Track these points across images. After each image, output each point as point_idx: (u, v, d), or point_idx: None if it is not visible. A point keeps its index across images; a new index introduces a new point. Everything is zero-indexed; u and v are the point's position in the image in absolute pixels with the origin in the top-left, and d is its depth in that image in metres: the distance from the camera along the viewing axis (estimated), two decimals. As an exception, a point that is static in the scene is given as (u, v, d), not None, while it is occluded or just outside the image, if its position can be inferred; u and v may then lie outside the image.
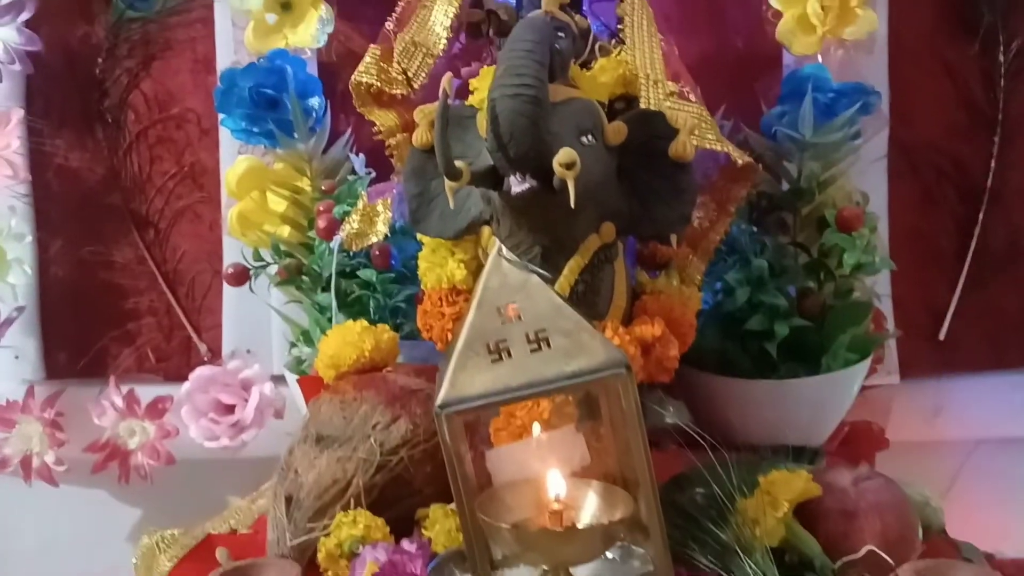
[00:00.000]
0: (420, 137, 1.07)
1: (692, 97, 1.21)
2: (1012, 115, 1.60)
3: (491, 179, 0.98)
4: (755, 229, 1.42)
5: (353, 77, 1.25)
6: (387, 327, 1.17)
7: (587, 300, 1.04)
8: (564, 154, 0.92)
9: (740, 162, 1.26)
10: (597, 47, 1.29)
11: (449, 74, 1.02)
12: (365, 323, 1.16)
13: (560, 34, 1.13)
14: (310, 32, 1.51)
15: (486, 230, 1.07)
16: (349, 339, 1.12)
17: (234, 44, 1.56)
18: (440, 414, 0.75)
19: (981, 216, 1.61)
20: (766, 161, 1.43)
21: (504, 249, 0.84)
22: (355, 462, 0.95)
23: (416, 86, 1.23)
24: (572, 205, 0.92)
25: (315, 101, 1.51)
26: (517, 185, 0.95)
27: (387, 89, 1.23)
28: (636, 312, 1.10)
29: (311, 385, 1.20)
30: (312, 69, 1.55)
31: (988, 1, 1.58)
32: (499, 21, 1.32)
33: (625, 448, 0.78)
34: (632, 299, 1.13)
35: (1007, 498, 1.61)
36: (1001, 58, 1.59)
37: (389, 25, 1.28)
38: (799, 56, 1.50)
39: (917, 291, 1.61)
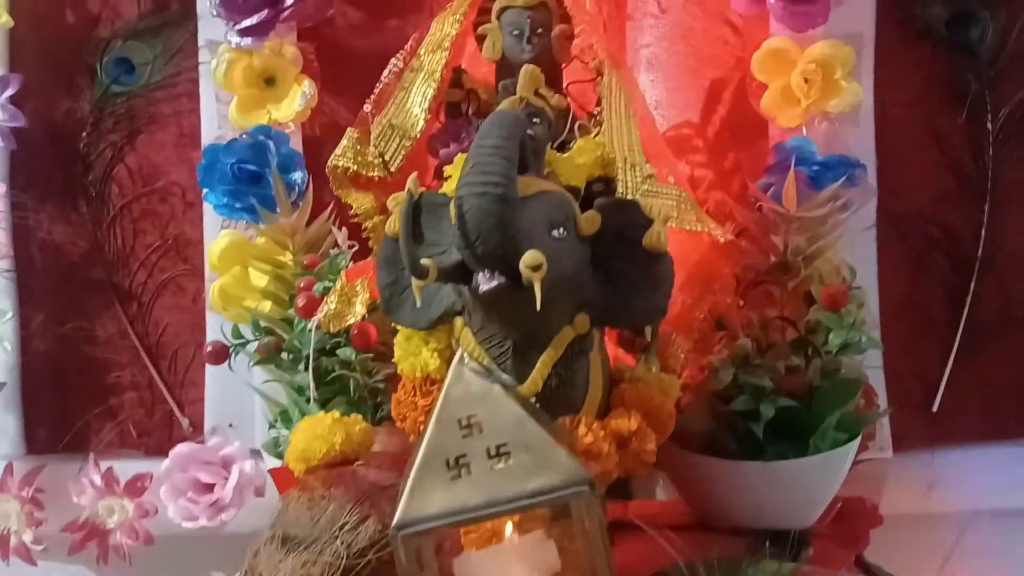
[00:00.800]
0: (392, 225, 1.06)
1: (671, 179, 1.20)
2: (1002, 182, 1.58)
3: (460, 274, 0.96)
4: (741, 303, 1.40)
5: (330, 160, 1.25)
6: (359, 417, 1.15)
7: (561, 394, 1.02)
8: (530, 257, 0.90)
9: (723, 240, 1.25)
10: (576, 127, 1.29)
11: (415, 174, 1.01)
12: (336, 415, 1.14)
13: (535, 119, 1.13)
14: (293, 107, 1.52)
15: (459, 321, 1.05)
16: (319, 432, 1.10)
17: (218, 119, 1.56)
18: (396, 536, 0.73)
19: (973, 284, 1.58)
20: (752, 234, 1.42)
21: (467, 357, 0.82)
22: (320, 566, 0.92)
23: (393, 169, 1.22)
24: (537, 307, 0.90)
25: (298, 175, 1.51)
26: (485, 283, 0.93)
27: (364, 172, 1.22)
28: (613, 402, 1.08)
29: (283, 477, 1.18)
30: (296, 143, 1.55)
31: (974, 70, 1.57)
32: (479, 101, 1.32)
33: (590, 567, 0.76)
34: (610, 387, 1.10)
35: (1005, 572, 1.57)
36: (989, 126, 1.58)
37: (367, 107, 1.28)
38: (784, 128, 1.49)
39: (909, 361, 1.58)
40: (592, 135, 1.24)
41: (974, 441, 1.59)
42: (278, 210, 1.46)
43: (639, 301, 1.02)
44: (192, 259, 1.63)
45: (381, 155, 1.22)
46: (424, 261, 0.93)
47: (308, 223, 1.49)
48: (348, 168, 1.23)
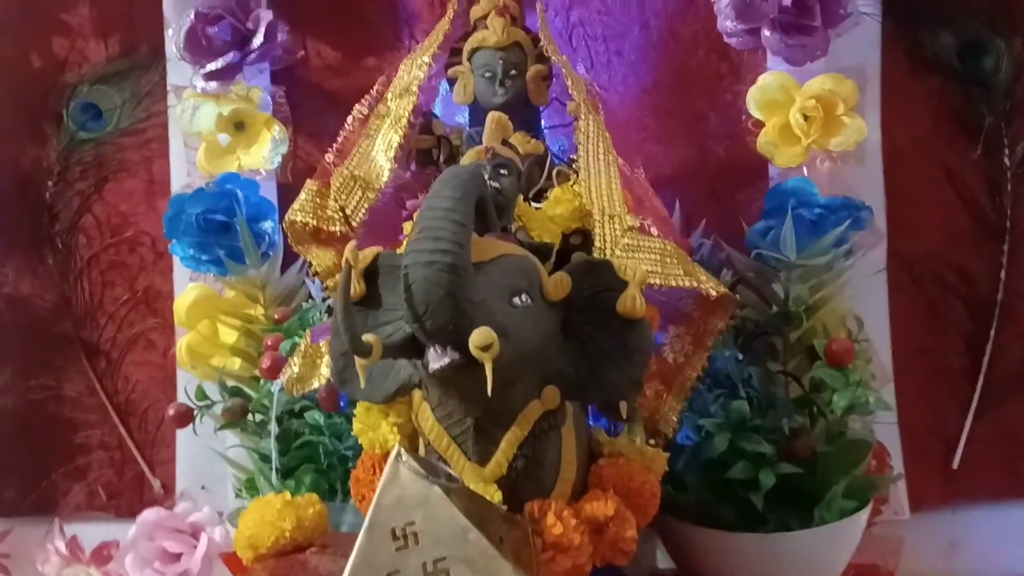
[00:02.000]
0: (353, 289, 0.96)
1: (654, 230, 1.10)
2: (1021, 221, 1.48)
3: (411, 349, 0.87)
4: (740, 356, 1.30)
5: (287, 215, 1.17)
6: (314, 498, 1.06)
7: (529, 476, 0.92)
8: (479, 336, 0.81)
9: (715, 294, 1.15)
10: (555, 173, 1.20)
11: (352, 243, 0.92)
12: (287, 497, 1.05)
13: (502, 171, 1.04)
14: (263, 153, 1.45)
15: (417, 394, 0.96)
16: (268, 517, 1.01)
17: (187, 165, 1.50)
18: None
19: (992, 332, 1.48)
20: (750, 283, 1.32)
21: (404, 453, 0.72)
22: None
23: (355, 224, 1.13)
24: (489, 391, 0.80)
25: (268, 224, 1.44)
26: (436, 360, 0.84)
27: (324, 227, 1.14)
28: (591, 480, 0.98)
29: (235, 564, 1.09)
30: (269, 189, 1.48)
31: (988, 102, 1.48)
32: (450, 147, 1.23)
33: None
34: (588, 461, 1.00)
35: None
36: (1007, 161, 1.48)
37: (329, 157, 1.20)
38: (783, 168, 1.40)
39: (926, 415, 1.48)
40: (570, 183, 1.14)
41: (998, 499, 1.48)
42: (247, 261, 1.39)
43: (613, 374, 0.93)
44: (162, 312, 1.56)
45: (342, 208, 1.13)
46: (367, 338, 0.84)
47: (282, 272, 1.43)
48: (307, 223, 1.15)
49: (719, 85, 1.51)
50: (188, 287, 1.45)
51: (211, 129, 1.44)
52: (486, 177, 1.02)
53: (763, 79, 1.39)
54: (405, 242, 0.89)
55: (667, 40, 1.51)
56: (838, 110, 1.36)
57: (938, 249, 1.49)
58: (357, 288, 0.94)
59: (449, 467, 0.85)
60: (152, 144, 1.56)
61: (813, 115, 1.35)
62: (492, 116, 1.07)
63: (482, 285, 0.86)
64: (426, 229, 0.83)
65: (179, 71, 1.49)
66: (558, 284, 0.92)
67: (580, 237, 1.11)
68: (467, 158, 1.06)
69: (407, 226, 1.04)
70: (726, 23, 1.38)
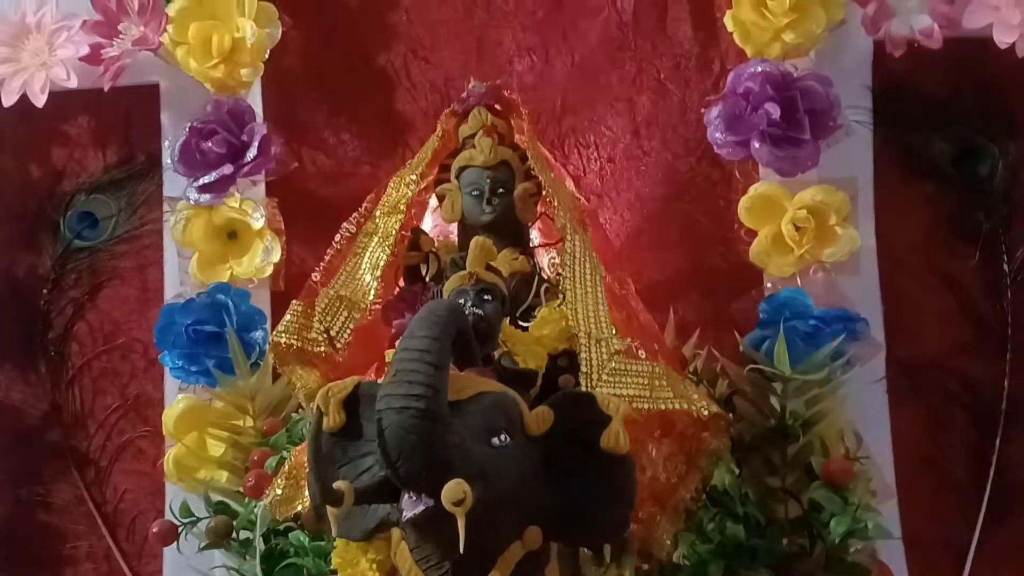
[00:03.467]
0: (331, 419, 0.94)
1: (642, 353, 1.08)
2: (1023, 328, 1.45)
3: (386, 493, 0.85)
4: (737, 471, 1.27)
5: (272, 336, 1.16)
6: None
7: (511, 620, 0.89)
8: (450, 491, 0.79)
9: (707, 414, 1.12)
10: (543, 290, 1.18)
11: (326, 387, 0.91)
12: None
13: (486, 297, 1.03)
14: (255, 263, 1.45)
15: (396, 533, 0.93)
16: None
17: (180, 274, 1.49)
18: None
19: (998, 441, 1.43)
20: (746, 395, 1.30)
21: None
22: None
23: (339, 346, 1.12)
24: (461, 548, 0.78)
25: (259, 334, 1.43)
26: (411, 507, 0.82)
27: (308, 348, 1.13)
28: (577, 622, 0.94)
29: None
30: (261, 298, 1.47)
31: (986, 208, 1.47)
32: (438, 263, 1.22)
33: None
34: (575, 599, 0.97)
35: None
36: (1005, 267, 1.46)
37: (315, 276, 1.19)
38: (776, 278, 1.38)
39: (932, 528, 1.43)
40: (557, 302, 1.13)
41: (1012, 618, 1.42)
42: (236, 372, 1.38)
43: (598, 514, 0.90)
44: (153, 420, 1.55)
45: (327, 330, 1.12)
46: (338, 485, 0.82)
47: (273, 381, 1.41)
48: (292, 344, 1.14)
49: (712, 192, 1.50)
50: (177, 398, 1.44)
51: (204, 239, 1.45)
52: (469, 304, 1.01)
53: (755, 189, 1.39)
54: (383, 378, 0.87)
55: (659, 148, 1.52)
56: (830, 220, 1.35)
57: (939, 357, 1.46)
58: (336, 419, 0.92)
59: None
60: (146, 252, 1.56)
61: (805, 226, 1.34)
62: (476, 241, 1.06)
63: (459, 427, 0.84)
64: (400, 372, 0.82)
65: (174, 180, 1.50)
66: (540, 418, 0.90)
67: (567, 359, 1.09)
68: (451, 283, 1.06)
69: (389, 354, 1.02)
70: (716, 134, 1.38)
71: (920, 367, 1.45)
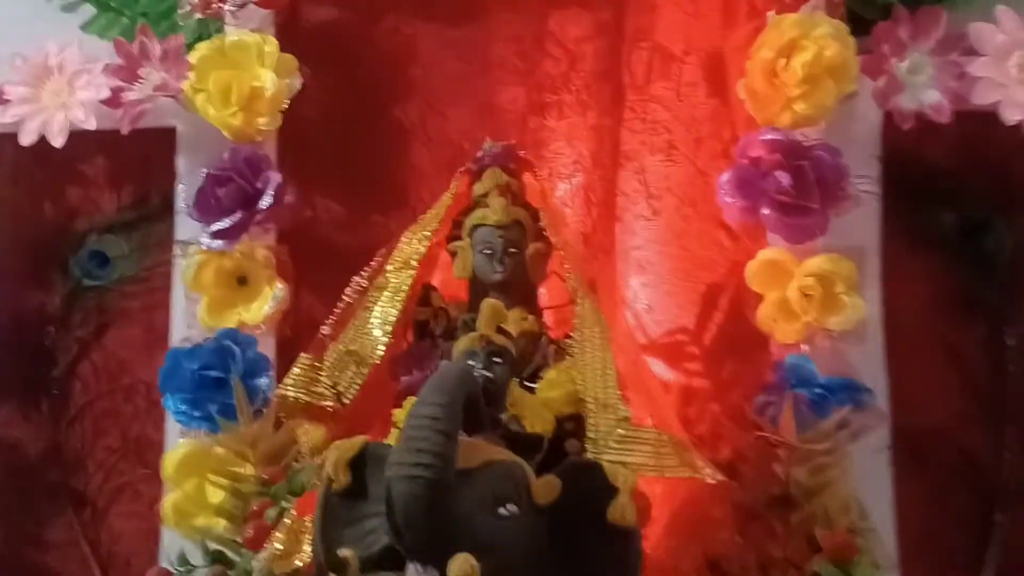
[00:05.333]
0: (338, 481, 0.94)
1: (649, 420, 1.08)
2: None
3: (391, 560, 0.85)
4: (740, 540, 1.26)
5: (277, 390, 1.16)
6: None
7: None
8: (458, 566, 0.78)
9: (712, 481, 1.13)
10: (551, 350, 1.19)
11: (333, 446, 0.91)
12: None
13: (496, 360, 1.03)
14: (263, 310, 1.45)
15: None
16: None
17: (188, 317, 1.49)
18: None
19: (997, 516, 1.43)
20: (751, 461, 1.30)
21: None
22: None
23: (346, 401, 1.12)
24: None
25: (263, 381, 1.42)
26: (417, 576, 0.82)
27: (315, 402, 1.13)
28: None
29: None
30: (268, 344, 1.47)
31: (991, 280, 1.47)
32: (448, 319, 1.23)
33: None
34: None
35: None
36: (1008, 341, 1.46)
37: (325, 330, 1.20)
38: (782, 343, 1.39)
39: (934, 602, 1.41)
40: (565, 364, 1.13)
41: None
42: (239, 419, 1.37)
43: None
44: (152, 462, 1.52)
45: (334, 385, 1.12)
46: (343, 553, 0.82)
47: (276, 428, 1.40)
48: (298, 398, 1.14)
49: (720, 254, 1.51)
50: (179, 442, 1.43)
51: (214, 284, 1.45)
52: (479, 366, 1.02)
53: (762, 255, 1.39)
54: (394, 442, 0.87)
55: (669, 209, 1.53)
56: (837, 288, 1.36)
57: (942, 428, 1.45)
58: (343, 480, 0.92)
59: None
60: (155, 293, 1.55)
61: (812, 293, 1.35)
62: (487, 304, 1.07)
63: (466, 496, 0.84)
64: (411, 440, 0.82)
65: (186, 223, 1.50)
66: (547, 488, 0.90)
67: (574, 422, 1.09)
68: (461, 345, 1.06)
69: (397, 414, 1.02)
70: (726, 199, 1.40)
71: (923, 438, 1.44)
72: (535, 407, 1.05)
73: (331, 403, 1.13)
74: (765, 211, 1.36)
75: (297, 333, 1.47)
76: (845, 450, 1.28)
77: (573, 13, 1.55)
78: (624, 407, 1.06)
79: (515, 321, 1.15)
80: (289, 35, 1.51)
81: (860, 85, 1.40)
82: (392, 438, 1.01)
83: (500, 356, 1.03)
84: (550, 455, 1.05)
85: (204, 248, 1.44)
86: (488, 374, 1.01)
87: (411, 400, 1.01)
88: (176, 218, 1.53)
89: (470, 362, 1.02)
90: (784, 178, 1.33)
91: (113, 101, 1.48)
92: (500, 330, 1.06)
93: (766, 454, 1.28)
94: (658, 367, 1.47)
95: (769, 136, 1.36)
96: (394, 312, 1.17)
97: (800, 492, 1.25)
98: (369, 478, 0.93)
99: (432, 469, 0.80)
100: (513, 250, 1.21)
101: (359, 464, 0.93)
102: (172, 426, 1.50)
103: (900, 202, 1.46)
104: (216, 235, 1.43)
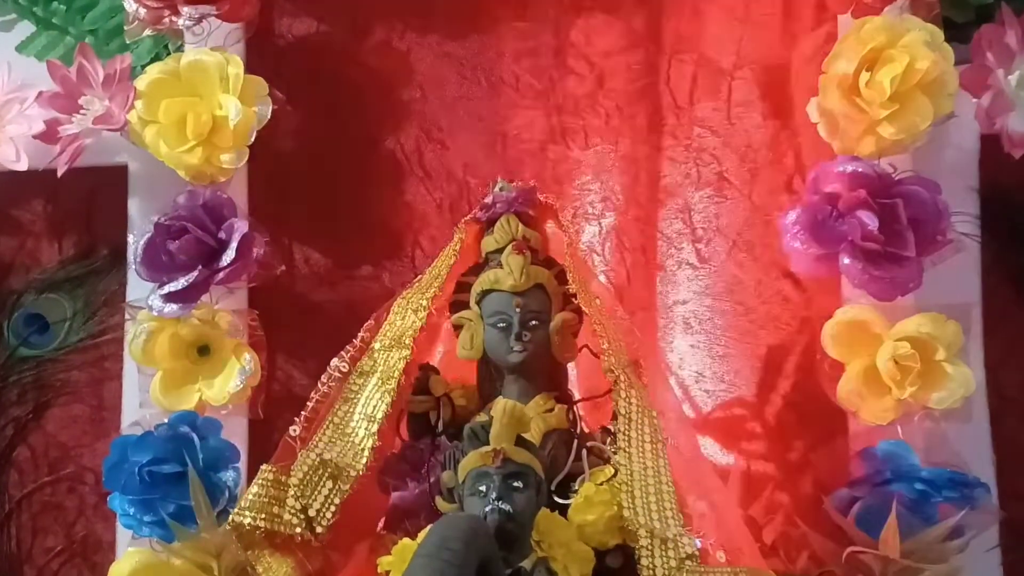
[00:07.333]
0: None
1: (721, 555, 0.82)
2: None
3: None
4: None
5: (232, 516, 0.90)
6: None
7: None
8: None
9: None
10: (585, 454, 0.92)
11: None
12: None
13: (515, 484, 0.77)
14: (228, 386, 1.20)
15: None
16: None
17: (141, 394, 1.25)
18: None
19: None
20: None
21: None
22: None
23: (320, 529, 0.86)
24: None
25: (229, 475, 1.18)
26: None
27: (281, 531, 0.87)
28: None
29: None
30: (237, 428, 1.22)
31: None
32: (452, 409, 0.97)
33: None
34: None
35: None
36: None
37: (293, 430, 0.94)
38: (870, 424, 1.13)
39: None
40: (605, 476, 0.87)
41: None
42: (199, 523, 1.12)
43: None
44: (102, 567, 1.30)
45: (304, 509, 0.86)
46: None
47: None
48: (259, 527, 0.88)
49: (785, 310, 1.26)
50: (127, 551, 1.18)
51: (169, 356, 1.21)
52: (493, 496, 0.76)
53: (843, 313, 1.14)
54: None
55: (720, 254, 1.28)
56: (938, 356, 1.10)
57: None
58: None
59: None
60: (104, 363, 1.34)
61: (908, 363, 1.09)
62: (501, 408, 0.80)
63: None
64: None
65: (141, 281, 1.26)
66: None
67: (620, 556, 0.83)
68: (469, 462, 0.80)
69: (384, 562, 0.76)
70: (794, 244, 1.14)
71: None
72: (569, 541, 0.79)
73: (301, 531, 0.87)
74: (846, 260, 1.10)
75: (272, 414, 1.24)
76: (956, 564, 1.03)
77: (600, 21, 1.31)
78: (689, 539, 0.80)
79: (537, 415, 0.89)
80: (261, 53, 1.30)
81: (957, 104, 1.15)
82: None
83: (521, 479, 0.77)
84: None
85: (156, 314, 1.19)
86: (506, 508, 0.75)
87: (404, 545, 0.75)
88: (128, 274, 1.29)
89: (480, 487, 0.75)
90: (871, 220, 1.07)
91: (49, 135, 1.25)
92: (520, 442, 0.79)
93: (857, 567, 1.03)
94: (711, 448, 1.22)
95: (850, 167, 1.10)
96: (384, 405, 0.91)
97: (902, 617, 1.00)
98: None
99: None
100: (534, 322, 0.94)
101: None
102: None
103: (1003, 245, 1.22)
104: (169, 298, 1.18)
